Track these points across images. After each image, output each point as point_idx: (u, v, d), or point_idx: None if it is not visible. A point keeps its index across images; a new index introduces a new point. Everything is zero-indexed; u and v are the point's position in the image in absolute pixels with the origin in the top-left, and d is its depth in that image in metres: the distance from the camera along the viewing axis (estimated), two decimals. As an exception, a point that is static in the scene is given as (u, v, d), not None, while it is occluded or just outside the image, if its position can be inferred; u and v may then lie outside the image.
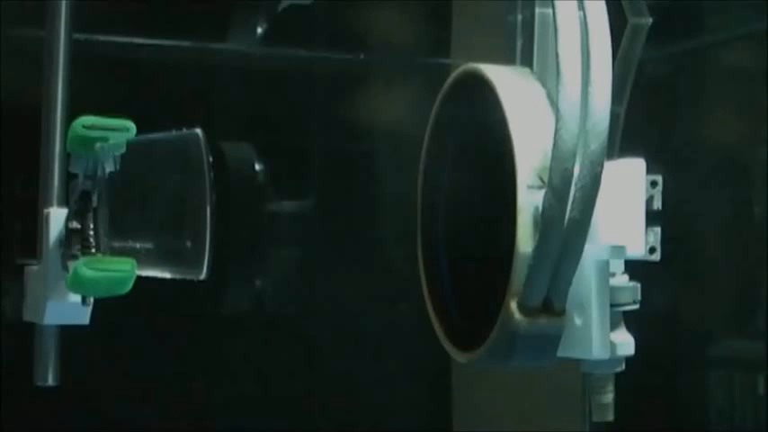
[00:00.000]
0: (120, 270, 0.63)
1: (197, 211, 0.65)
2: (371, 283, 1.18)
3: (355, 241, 1.17)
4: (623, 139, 0.77)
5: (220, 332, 1.19)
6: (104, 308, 0.70)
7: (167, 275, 0.66)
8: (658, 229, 0.61)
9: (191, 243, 0.65)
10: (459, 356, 0.62)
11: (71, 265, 0.65)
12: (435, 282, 0.65)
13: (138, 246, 0.66)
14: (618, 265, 0.61)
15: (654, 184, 0.61)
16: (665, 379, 1.14)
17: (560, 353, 0.59)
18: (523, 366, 0.59)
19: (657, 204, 0.61)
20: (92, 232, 0.66)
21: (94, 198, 0.66)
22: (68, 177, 0.68)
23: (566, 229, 0.55)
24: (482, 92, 0.61)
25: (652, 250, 0.61)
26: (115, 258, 0.64)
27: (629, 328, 0.61)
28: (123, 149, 0.65)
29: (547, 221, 0.55)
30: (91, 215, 0.66)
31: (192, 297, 1.13)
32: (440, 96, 0.65)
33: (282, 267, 1.17)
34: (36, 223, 0.71)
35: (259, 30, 1.19)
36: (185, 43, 1.17)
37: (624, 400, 0.64)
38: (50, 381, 0.73)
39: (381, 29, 1.28)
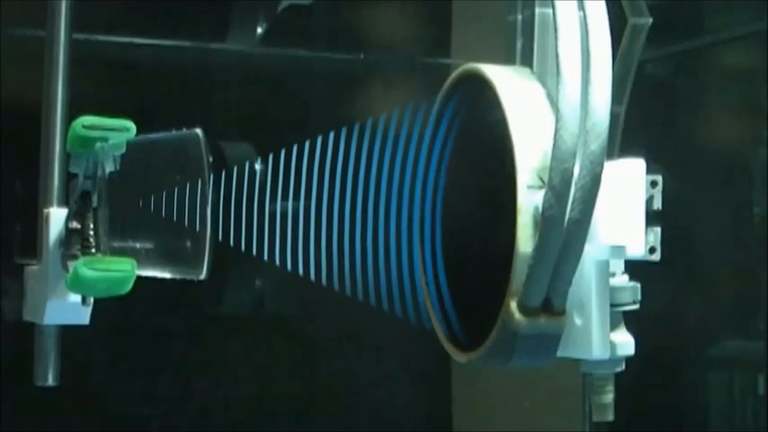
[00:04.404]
0: (120, 270, 0.63)
1: (197, 211, 0.65)
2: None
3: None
4: (623, 140, 0.77)
5: (220, 332, 1.19)
6: (104, 308, 0.70)
7: (167, 275, 0.66)
8: (658, 229, 0.61)
9: (191, 243, 0.65)
10: (459, 356, 0.62)
11: (71, 265, 0.65)
12: (435, 282, 0.65)
13: (138, 246, 0.66)
14: (618, 265, 0.61)
15: (654, 184, 0.61)
16: (665, 379, 1.14)
17: (560, 353, 0.59)
18: (523, 366, 0.59)
19: (657, 204, 0.61)
20: (92, 232, 0.66)
21: (94, 198, 0.66)
22: (68, 177, 0.68)
23: (566, 229, 0.55)
24: (482, 92, 0.61)
25: (652, 250, 0.61)
26: (115, 258, 0.64)
27: (629, 329, 0.61)
28: (123, 149, 0.65)
29: (547, 221, 0.55)
30: (91, 215, 0.66)
31: (192, 297, 1.13)
32: (440, 96, 0.65)
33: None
34: (36, 223, 0.71)
35: (259, 30, 1.19)
36: (185, 43, 1.17)
37: (624, 400, 0.64)
38: (50, 381, 0.73)
39: (381, 29, 1.29)
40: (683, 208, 1.03)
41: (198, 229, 0.64)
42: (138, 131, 0.65)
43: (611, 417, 0.63)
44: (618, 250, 0.59)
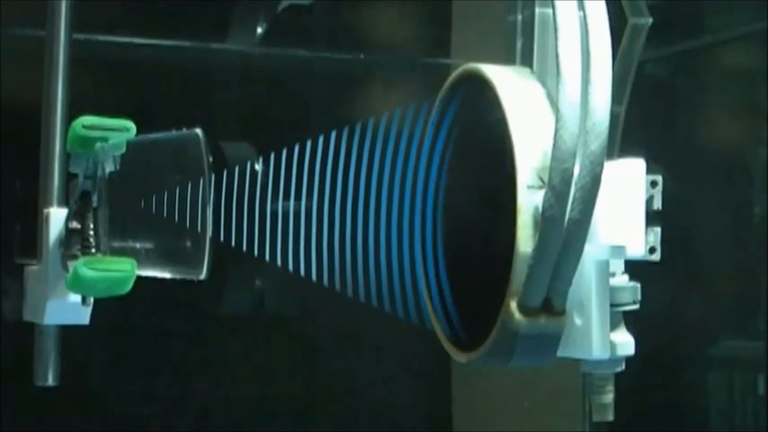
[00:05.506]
0: (120, 270, 0.63)
1: (197, 211, 0.65)
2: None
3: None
4: (623, 140, 0.77)
5: (220, 332, 1.19)
6: (104, 308, 0.70)
7: (167, 275, 0.66)
8: (658, 229, 0.61)
9: (191, 243, 0.65)
10: (459, 356, 0.62)
11: (71, 265, 0.65)
12: (435, 282, 0.65)
13: (138, 246, 0.66)
14: (618, 265, 0.61)
15: (654, 184, 0.61)
16: (665, 379, 1.14)
17: (560, 353, 0.59)
18: (523, 366, 0.59)
19: (657, 204, 0.61)
20: (92, 232, 0.66)
21: (94, 198, 0.66)
22: (68, 177, 0.68)
23: (566, 229, 0.55)
24: (482, 92, 0.61)
25: (652, 250, 0.61)
26: (115, 258, 0.64)
27: (629, 329, 0.61)
28: (123, 149, 0.65)
29: (547, 221, 0.55)
30: (91, 215, 0.66)
31: (192, 297, 1.13)
32: (440, 96, 0.65)
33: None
34: (36, 223, 0.71)
35: (259, 30, 1.19)
36: (185, 43, 1.17)
37: (624, 400, 0.64)
38: (50, 381, 0.73)
39: (381, 29, 1.29)
40: (683, 208, 1.03)
41: (198, 229, 0.64)
42: (138, 131, 0.65)
43: (611, 417, 0.63)
44: (618, 250, 0.59)
